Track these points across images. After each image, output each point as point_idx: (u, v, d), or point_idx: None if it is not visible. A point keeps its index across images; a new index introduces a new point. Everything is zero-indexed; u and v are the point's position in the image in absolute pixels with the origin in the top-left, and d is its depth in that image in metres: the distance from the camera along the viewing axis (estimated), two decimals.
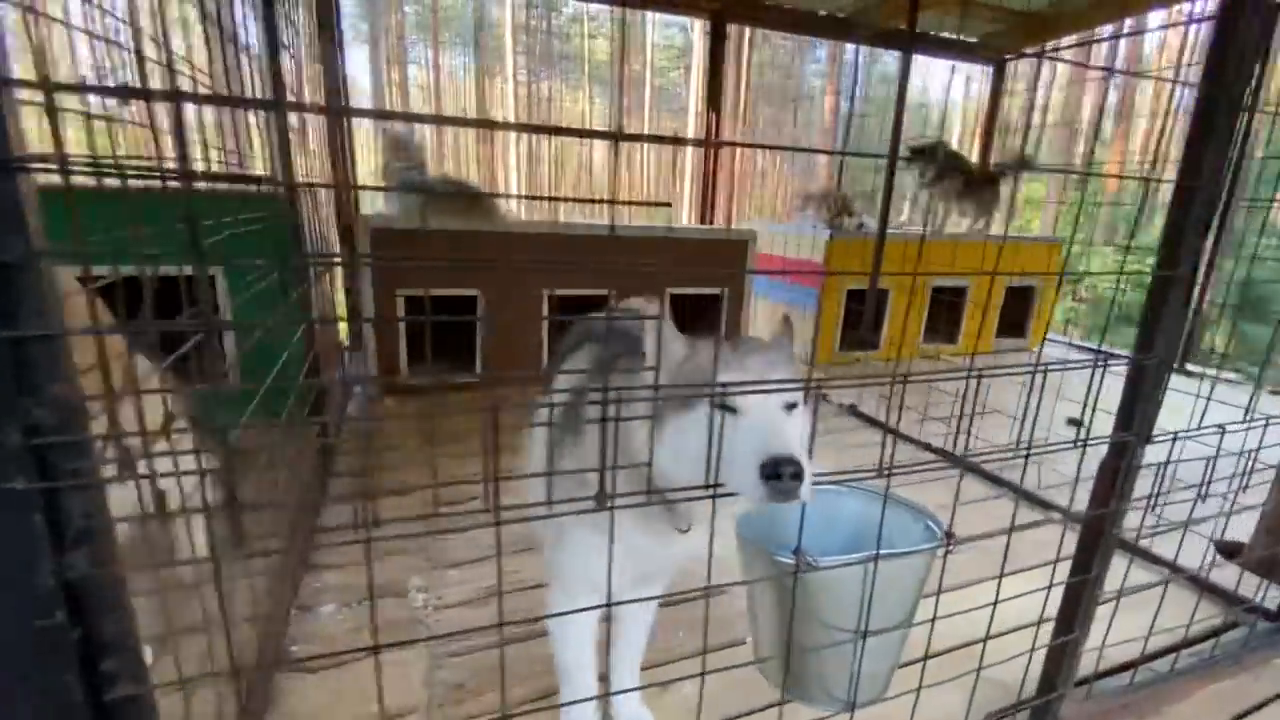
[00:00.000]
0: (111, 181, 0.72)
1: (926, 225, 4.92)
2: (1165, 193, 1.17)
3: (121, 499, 0.72)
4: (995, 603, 1.21)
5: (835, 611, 1.10)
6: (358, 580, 1.93)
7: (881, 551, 0.99)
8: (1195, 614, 1.73)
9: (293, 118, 2.61)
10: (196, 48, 2.02)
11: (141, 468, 0.71)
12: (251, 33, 2.38)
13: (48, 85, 0.59)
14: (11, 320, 0.56)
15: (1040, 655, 1.48)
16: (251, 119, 2.34)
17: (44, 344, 0.58)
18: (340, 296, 4.10)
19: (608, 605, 1.23)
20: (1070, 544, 1.40)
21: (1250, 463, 1.51)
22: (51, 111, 0.58)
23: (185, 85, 1.79)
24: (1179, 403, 1.55)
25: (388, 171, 3.70)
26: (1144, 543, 2.27)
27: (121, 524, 0.68)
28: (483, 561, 2.06)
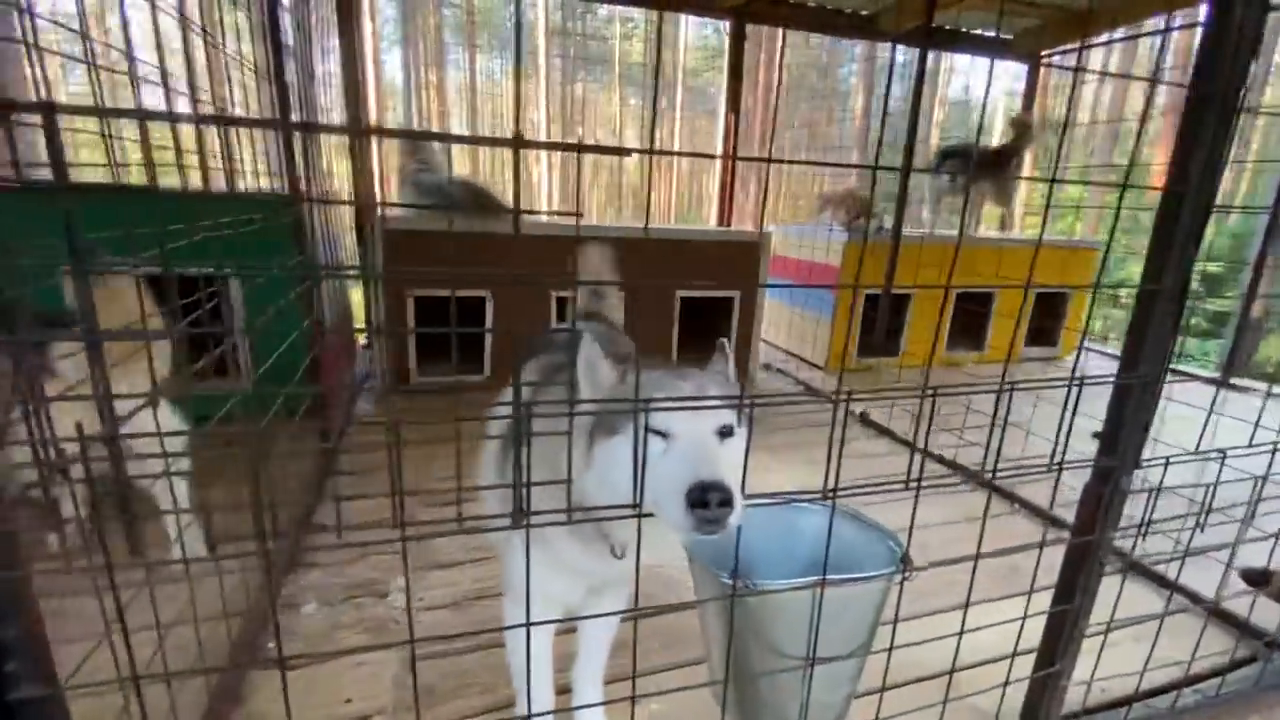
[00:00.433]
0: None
1: (927, 225, 4.77)
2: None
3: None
4: (961, 631, 1.15)
5: (782, 637, 1.06)
6: (340, 579, 1.96)
7: (829, 577, 0.94)
8: (1201, 645, 1.62)
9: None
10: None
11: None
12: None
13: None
14: None
15: (1022, 687, 1.40)
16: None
17: None
18: (357, 295, 4.17)
19: (551, 621, 1.23)
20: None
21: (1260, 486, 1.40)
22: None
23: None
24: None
25: (403, 174, 3.75)
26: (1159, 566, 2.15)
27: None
28: (465, 565, 2.06)
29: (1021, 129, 4.70)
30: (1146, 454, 1.16)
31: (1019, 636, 1.25)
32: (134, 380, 1.48)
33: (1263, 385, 4.08)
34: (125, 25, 1.32)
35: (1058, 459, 1.08)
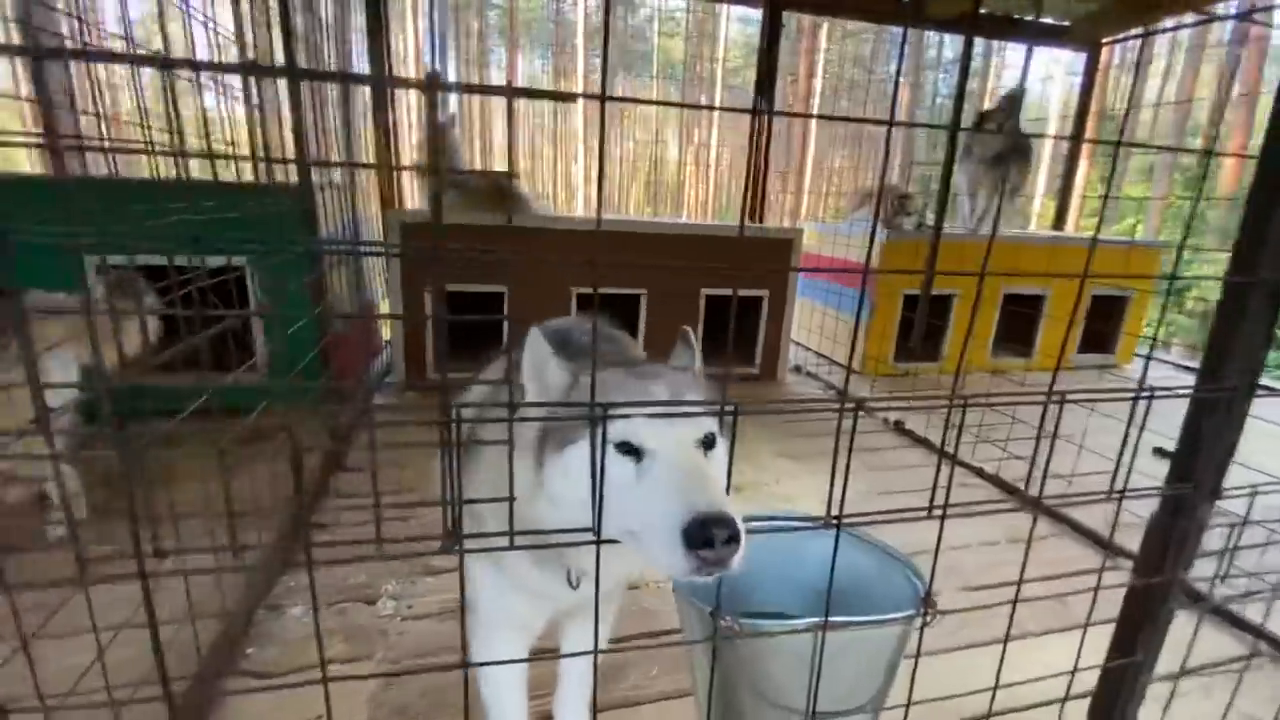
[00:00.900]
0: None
1: (964, 216, 4.44)
2: None
3: None
4: (999, 677, 0.98)
5: (776, 685, 0.90)
6: (332, 581, 1.87)
7: (834, 619, 0.79)
8: None
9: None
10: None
11: None
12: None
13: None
14: None
15: None
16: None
17: None
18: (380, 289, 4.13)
19: (518, 659, 1.10)
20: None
21: None
22: None
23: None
24: None
25: (421, 167, 3.69)
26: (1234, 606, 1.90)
27: None
28: (456, 573, 1.96)
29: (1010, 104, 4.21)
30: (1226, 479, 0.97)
31: (1070, 684, 1.07)
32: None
33: None
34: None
35: (1119, 485, 0.89)
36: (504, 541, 0.70)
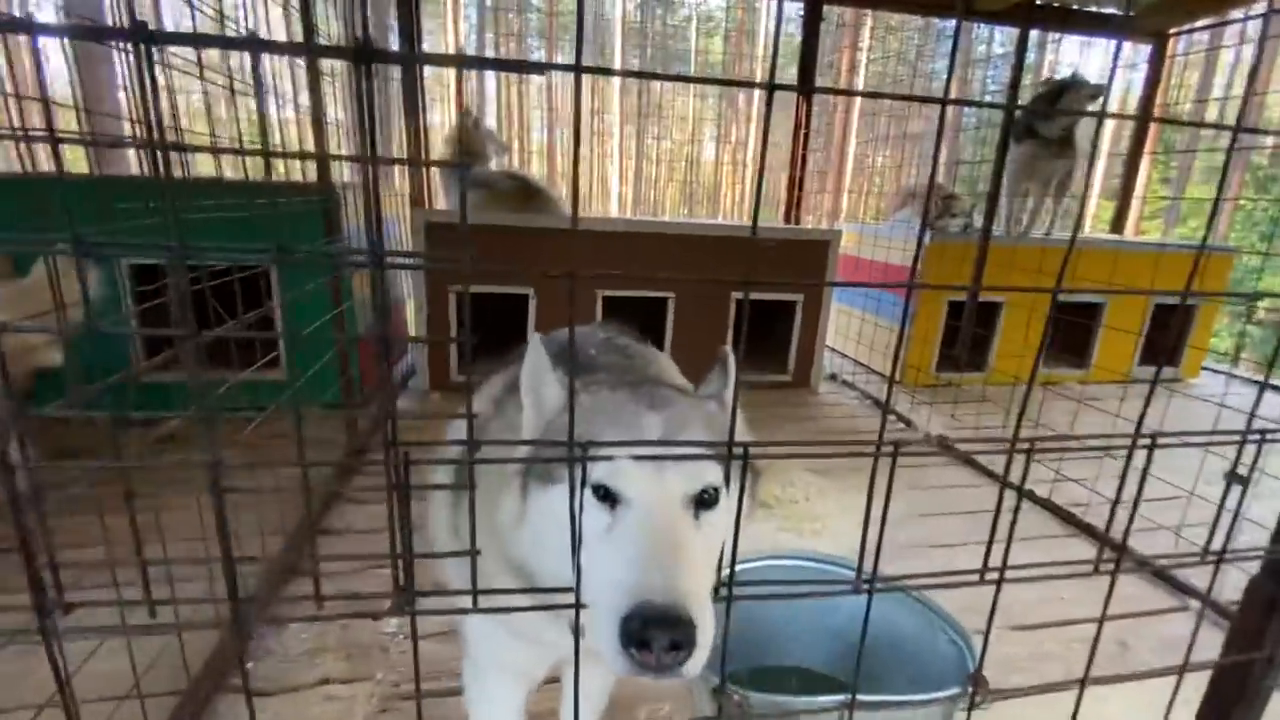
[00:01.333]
0: None
1: (1004, 214, 4.17)
2: None
3: None
4: None
5: None
6: (339, 591, 1.80)
7: (863, 698, 0.66)
8: None
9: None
10: None
11: None
12: None
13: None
14: None
15: None
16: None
17: None
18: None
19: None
20: (1206, 645, 0.96)
21: None
22: None
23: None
24: None
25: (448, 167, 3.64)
26: None
27: None
28: None
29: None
30: None
31: None
32: None
33: None
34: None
35: (1218, 542, 0.74)
36: (466, 603, 0.59)
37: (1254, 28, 4.62)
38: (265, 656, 1.58)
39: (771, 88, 0.53)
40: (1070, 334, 4.06)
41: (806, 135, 4.51)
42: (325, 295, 2.47)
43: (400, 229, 3.84)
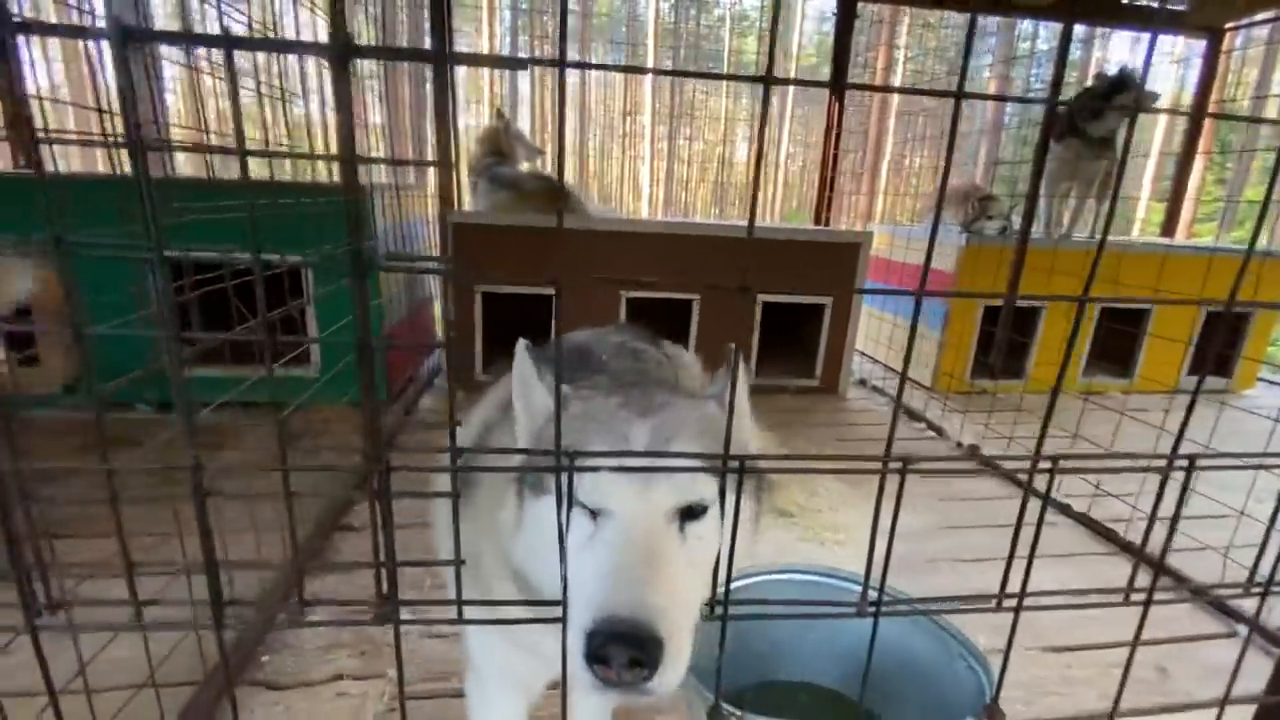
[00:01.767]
0: None
1: (1043, 213, 4.00)
2: None
3: None
4: None
5: None
6: (354, 586, 1.82)
7: None
8: None
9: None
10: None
11: None
12: None
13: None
14: None
15: None
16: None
17: None
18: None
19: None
20: (1253, 673, 0.89)
21: None
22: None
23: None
24: None
25: (476, 167, 3.68)
26: None
27: None
28: None
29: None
30: None
31: None
32: None
33: None
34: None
35: (1266, 566, 0.69)
36: (459, 611, 0.58)
37: None
38: (282, 650, 1.60)
39: (768, 81, 0.50)
40: (1114, 341, 3.90)
41: (838, 134, 4.43)
42: (350, 294, 2.51)
43: (429, 230, 3.89)
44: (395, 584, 0.56)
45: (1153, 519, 0.70)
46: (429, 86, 3.94)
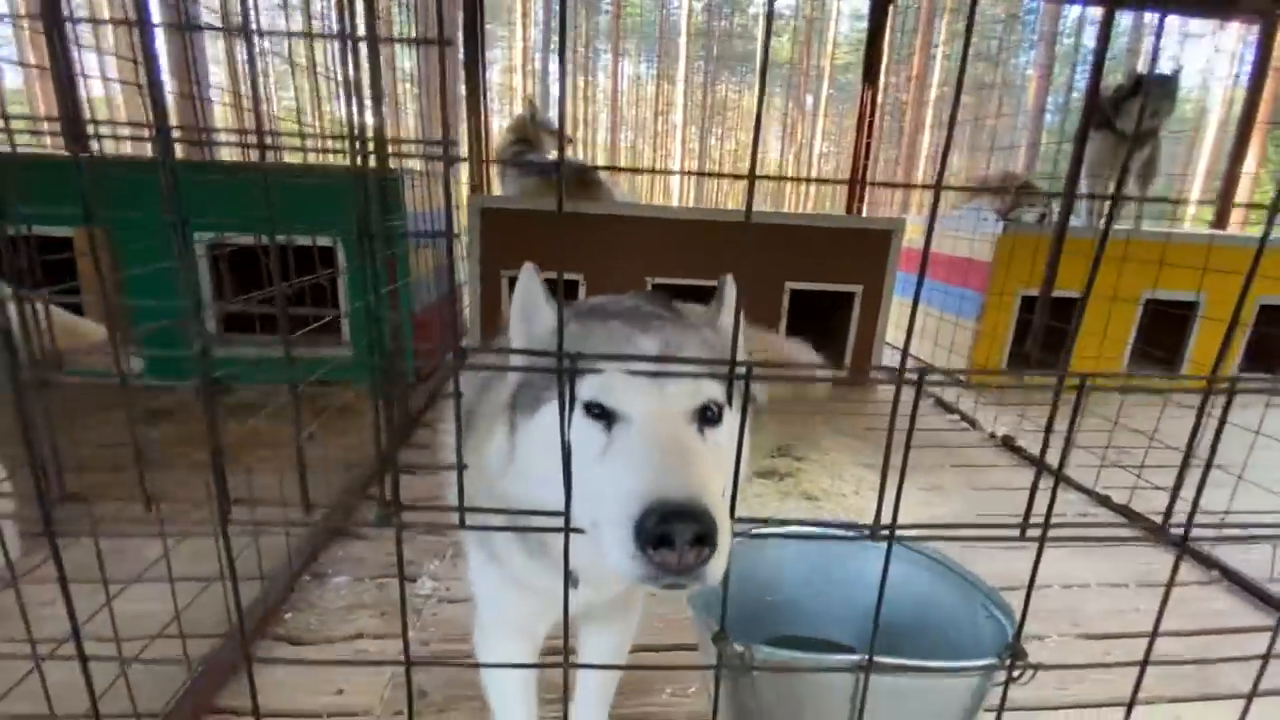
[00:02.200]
0: None
1: (1083, 207, 3.85)
2: None
3: None
4: None
5: None
6: (378, 555, 1.85)
7: (880, 660, 0.60)
8: None
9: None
10: None
11: None
12: None
13: None
14: None
15: None
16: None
17: None
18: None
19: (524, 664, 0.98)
20: None
21: None
22: None
23: None
24: None
25: (502, 154, 3.71)
26: None
27: None
28: None
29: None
30: None
31: None
32: None
33: None
34: None
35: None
36: (461, 518, 0.57)
37: None
38: (306, 609, 1.63)
39: (763, 70, 0.49)
40: (1160, 332, 3.74)
41: (871, 123, 4.35)
42: (384, 273, 2.55)
43: (457, 215, 3.94)
44: (398, 488, 0.55)
45: (1174, 495, 0.66)
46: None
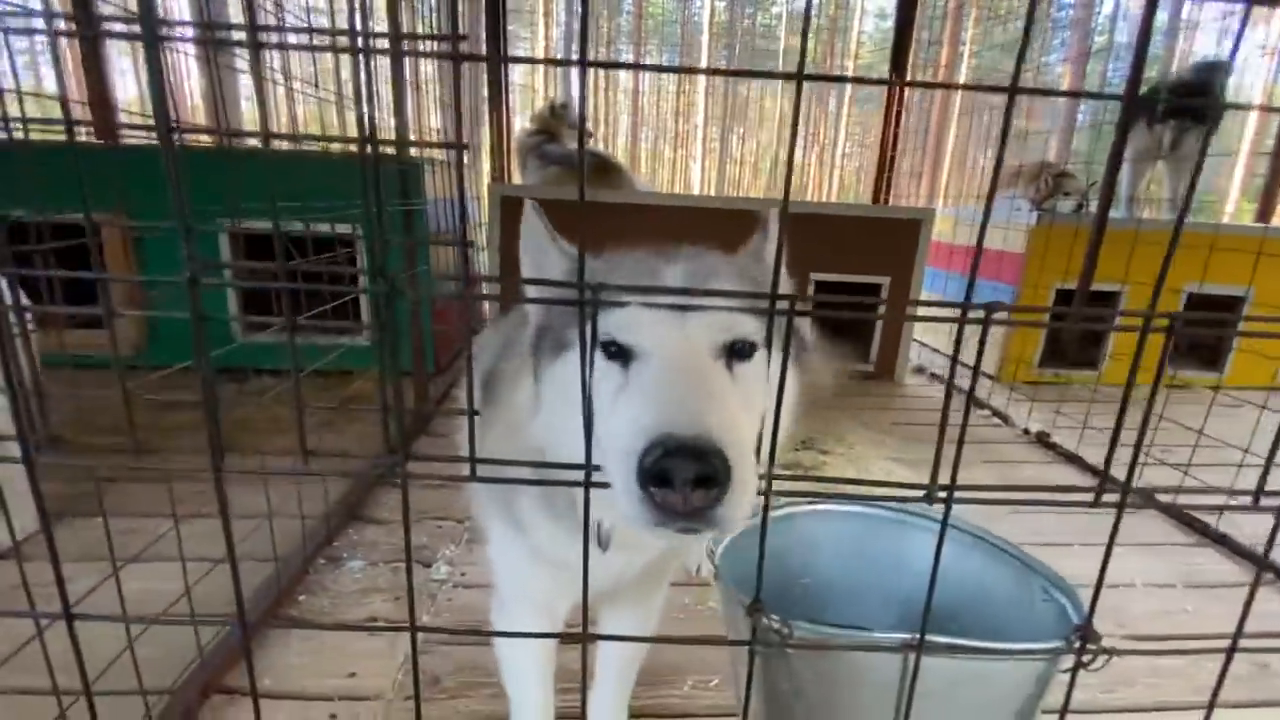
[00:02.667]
0: None
1: (1124, 200, 3.69)
2: None
3: None
4: None
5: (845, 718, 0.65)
6: (393, 539, 1.82)
7: (933, 639, 0.54)
8: None
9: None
10: None
11: None
12: None
13: None
14: None
15: None
16: None
17: None
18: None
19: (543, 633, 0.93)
20: None
21: None
22: None
23: None
24: None
25: (523, 145, 3.68)
26: None
27: None
28: None
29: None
30: None
31: None
32: None
33: None
34: None
35: None
36: (472, 469, 0.52)
37: None
38: (319, 592, 1.60)
39: (800, 78, 0.44)
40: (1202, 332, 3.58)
41: (899, 115, 4.25)
42: (402, 262, 2.52)
43: (480, 205, 3.93)
44: (404, 435, 0.51)
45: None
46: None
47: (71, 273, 0.49)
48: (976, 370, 0.58)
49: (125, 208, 2.49)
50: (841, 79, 1.06)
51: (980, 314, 0.49)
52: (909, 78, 4.55)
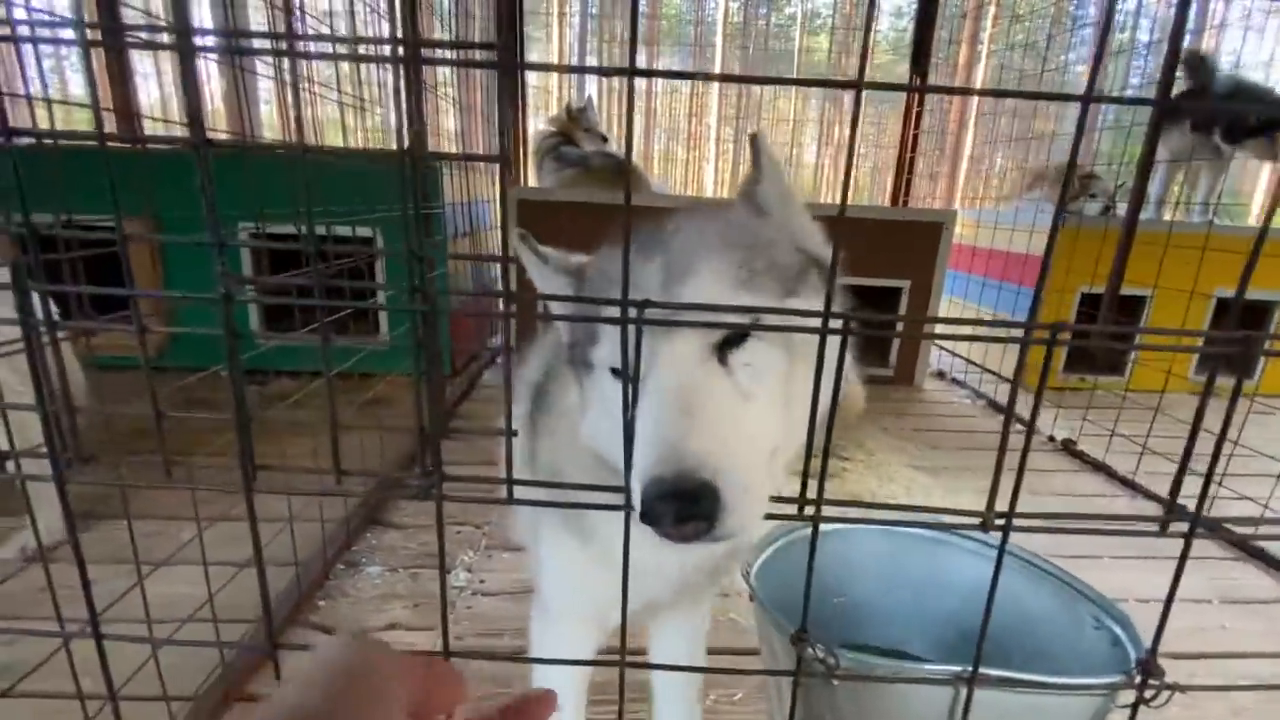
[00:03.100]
0: None
1: (1153, 203, 3.60)
2: None
3: None
4: None
5: None
6: (411, 544, 1.81)
7: (986, 672, 0.52)
8: None
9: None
10: None
11: None
12: None
13: None
14: None
15: None
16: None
17: None
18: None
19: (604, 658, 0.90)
20: None
21: None
22: None
23: None
24: None
25: (541, 148, 3.68)
26: None
27: None
28: None
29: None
30: None
31: None
32: None
33: None
34: None
35: None
36: (509, 490, 0.51)
37: None
38: (339, 598, 1.59)
39: (860, 85, 0.42)
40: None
41: (919, 114, 4.20)
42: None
43: (492, 208, 3.93)
44: (439, 455, 0.49)
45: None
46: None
47: (102, 289, 0.48)
48: (1015, 385, 0.55)
49: (152, 212, 2.51)
50: (903, 87, 1.02)
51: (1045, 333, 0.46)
52: (929, 78, 4.50)
